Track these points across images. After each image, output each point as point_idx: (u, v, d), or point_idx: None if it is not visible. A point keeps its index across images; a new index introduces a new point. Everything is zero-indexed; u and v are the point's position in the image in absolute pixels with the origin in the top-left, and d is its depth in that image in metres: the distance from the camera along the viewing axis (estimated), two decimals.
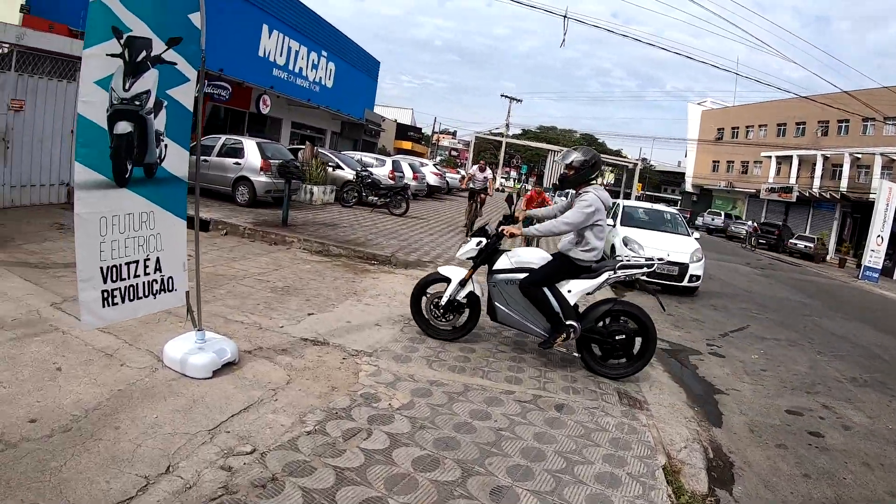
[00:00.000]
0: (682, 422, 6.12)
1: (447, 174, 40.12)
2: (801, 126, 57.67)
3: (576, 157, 6.69)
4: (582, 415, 5.64)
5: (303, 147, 22.13)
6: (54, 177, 14.40)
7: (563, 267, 6.69)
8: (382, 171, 24.15)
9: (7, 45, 13.14)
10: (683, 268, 14.18)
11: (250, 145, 17.06)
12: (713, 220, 59.70)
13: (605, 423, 5.51)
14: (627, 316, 6.77)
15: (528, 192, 16.49)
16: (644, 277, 7.46)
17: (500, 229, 6.82)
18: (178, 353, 5.35)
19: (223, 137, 17.84)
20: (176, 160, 5.26)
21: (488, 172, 19.25)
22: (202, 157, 16.61)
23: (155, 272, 5.17)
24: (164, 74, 4.92)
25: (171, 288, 5.36)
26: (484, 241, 6.96)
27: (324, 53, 34.69)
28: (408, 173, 27.62)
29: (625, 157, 77.80)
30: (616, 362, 6.85)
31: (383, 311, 7.94)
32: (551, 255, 6.89)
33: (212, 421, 4.55)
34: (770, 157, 59.85)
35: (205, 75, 5.21)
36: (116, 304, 4.83)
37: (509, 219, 7.22)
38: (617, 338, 6.71)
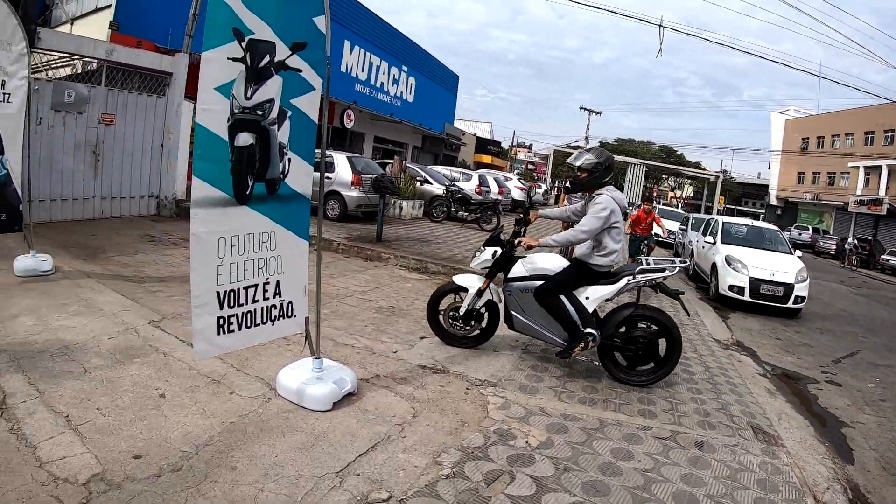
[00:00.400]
0: (818, 459, 5.53)
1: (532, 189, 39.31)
2: (890, 134, 53.98)
3: (587, 158, 6.28)
4: (723, 453, 5.14)
5: (390, 161, 21.86)
6: (144, 189, 14.55)
7: (580, 273, 6.35)
8: (469, 186, 23.60)
9: (97, 61, 13.40)
10: (788, 288, 13.27)
11: (341, 160, 16.75)
12: (800, 234, 54.83)
13: (748, 462, 5.05)
14: (648, 320, 6.47)
15: (634, 213, 13.92)
16: (665, 282, 6.82)
17: (516, 241, 6.45)
18: (294, 382, 4.98)
19: (314, 152, 17.25)
20: (300, 176, 4.91)
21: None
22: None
23: (274, 297, 4.80)
24: (289, 82, 4.57)
25: (290, 314, 4.99)
26: (499, 250, 6.61)
27: (404, 68, 34.81)
28: (493, 188, 26.93)
29: (704, 170, 75.59)
30: (644, 368, 6.58)
31: (496, 335, 7.42)
32: (568, 260, 6.57)
33: (339, 461, 4.12)
34: (858, 167, 55.91)
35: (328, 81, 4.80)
36: (233, 331, 4.47)
37: (523, 221, 6.87)
38: (640, 342, 6.43)
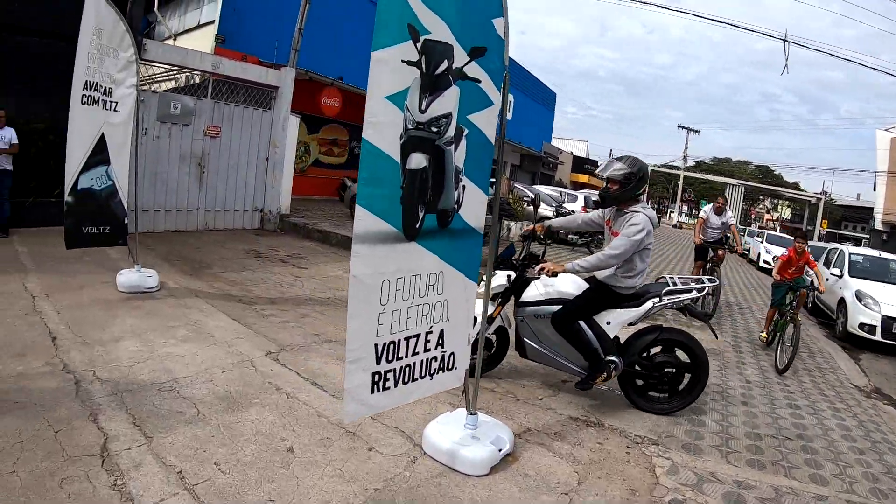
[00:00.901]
0: None
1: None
2: None
3: (619, 168, 5.43)
4: None
5: (491, 180, 21.10)
6: (248, 202, 14.41)
7: (602, 297, 5.68)
8: (575, 207, 22.78)
9: (202, 73, 13.40)
10: None
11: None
12: None
13: None
14: (676, 345, 5.87)
15: (784, 254, 10.61)
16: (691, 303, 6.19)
17: (538, 268, 5.68)
18: (446, 440, 4.31)
19: None
20: (474, 206, 4.22)
21: (729, 215, 12.29)
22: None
23: (436, 348, 4.11)
24: (467, 94, 3.86)
25: (451, 366, 4.28)
26: (513, 274, 5.93)
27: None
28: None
29: (803, 191, 72.49)
30: (657, 395, 5.99)
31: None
32: (587, 282, 5.87)
33: None
34: None
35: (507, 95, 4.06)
36: (388, 388, 3.79)
37: (531, 236, 6.15)
38: (665, 370, 5.87)
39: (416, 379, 3.96)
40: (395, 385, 3.80)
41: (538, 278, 5.84)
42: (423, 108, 3.58)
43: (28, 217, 11.18)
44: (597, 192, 24.65)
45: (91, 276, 8.19)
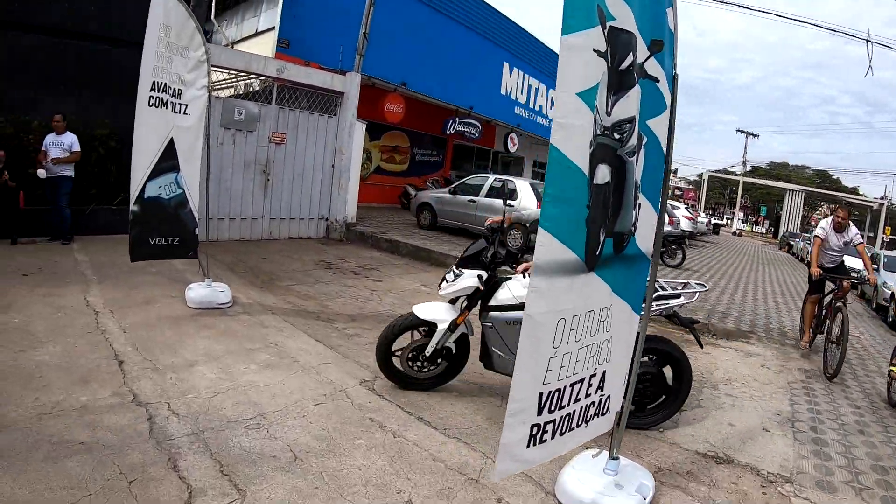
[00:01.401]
0: None
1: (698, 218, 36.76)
2: None
3: None
4: None
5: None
6: (313, 211, 14.04)
7: None
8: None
9: (265, 79, 13.15)
10: None
11: (523, 186, 15.43)
12: None
13: None
14: (651, 353, 5.19)
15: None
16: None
17: (519, 268, 5.30)
18: (587, 490, 3.69)
19: (491, 177, 16.56)
20: (647, 228, 3.56)
21: (853, 232, 8.88)
22: (470, 199, 15.64)
23: (596, 392, 3.43)
24: (646, 95, 3.19)
25: (605, 410, 3.62)
26: (485, 274, 5.13)
27: None
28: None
29: (863, 196, 70.05)
30: (652, 406, 5.31)
31: (756, 407, 6.10)
32: None
33: None
34: None
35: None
36: (544, 441, 3.11)
37: (498, 230, 5.40)
38: (645, 380, 5.14)
39: (573, 428, 3.29)
40: (553, 437, 3.13)
41: (510, 279, 5.17)
42: (609, 109, 2.92)
43: (88, 224, 10.99)
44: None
45: (157, 289, 7.73)
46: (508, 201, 15.02)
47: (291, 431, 4.31)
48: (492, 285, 5.12)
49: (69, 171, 10.32)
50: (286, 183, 13.23)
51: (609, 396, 3.51)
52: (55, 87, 11.31)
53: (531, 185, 15.57)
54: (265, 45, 18.72)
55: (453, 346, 5.35)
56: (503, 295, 5.05)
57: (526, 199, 15.03)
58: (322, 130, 13.87)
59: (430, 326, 5.30)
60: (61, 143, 10.20)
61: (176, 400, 4.62)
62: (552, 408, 3.06)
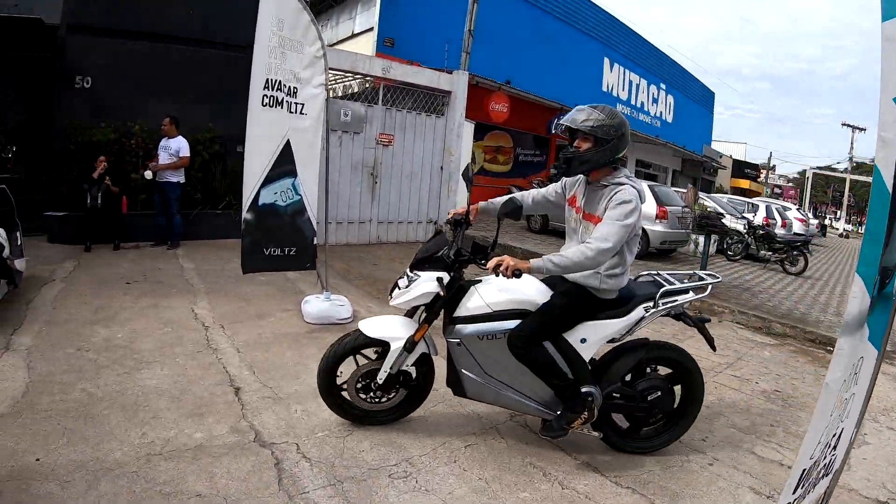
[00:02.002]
0: None
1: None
2: None
3: (592, 116, 3.80)
4: None
5: (683, 190, 19.35)
6: (421, 214, 13.63)
7: (577, 305, 4.03)
8: (756, 218, 20.74)
9: (371, 79, 12.88)
10: None
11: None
12: None
13: None
14: (662, 363, 4.32)
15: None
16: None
17: (486, 263, 3.77)
18: None
19: None
20: None
21: None
22: None
23: (830, 452, 2.67)
24: None
25: (829, 470, 2.86)
26: (446, 277, 4.02)
27: (662, 86, 32.43)
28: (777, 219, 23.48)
29: None
30: (651, 429, 4.44)
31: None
32: (549, 284, 4.20)
33: None
34: None
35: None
36: None
37: (463, 222, 4.30)
38: (650, 398, 4.22)
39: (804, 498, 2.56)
40: None
41: (480, 282, 4.17)
42: None
43: (191, 229, 10.89)
44: (773, 201, 21.50)
45: (270, 301, 7.31)
46: None
47: (444, 482, 3.70)
48: (456, 291, 4.12)
49: (176, 177, 10.18)
50: (394, 185, 12.85)
51: (836, 456, 2.80)
52: (158, 92, 11.32)
53: (650, 187, 14.69)
54: (363, 47, 18.50)
55: (413, 370, 4.33)
56: (473, 303, 4.06)
57: (645, 204, 14.01)
58: (430, 131, 13.42)
59: (384, 346, 4.24)
60: (168, 148, 10.09)
61: (305, 439, 4.08)
62: (804, 484, 2.35)
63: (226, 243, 10.74)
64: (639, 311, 4.09)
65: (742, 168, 56.21)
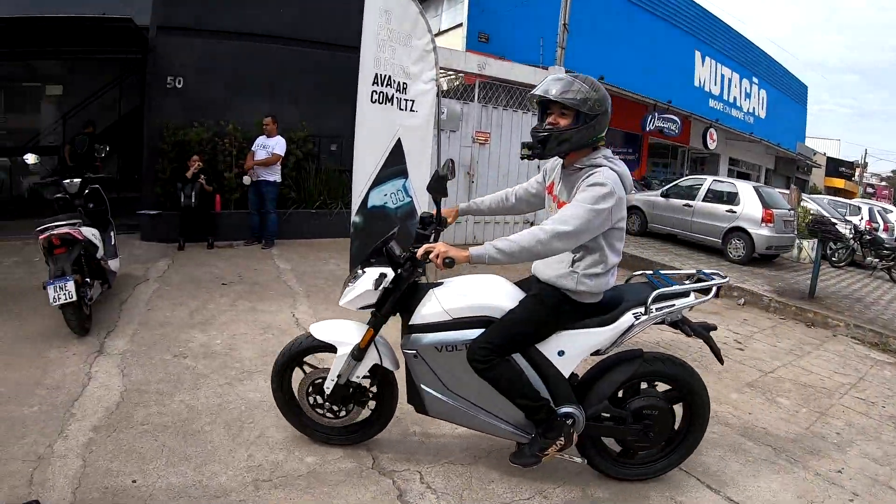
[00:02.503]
0: None
1: None
2: None
3: (579, 89, 3.13)
4: None
5: (786, 191, 18.42)
6: (518, 216, 12.90)
7: (552, 312, 3.37)
8: (858, 220, 19.64)
9: (464, 76, 12.74)
10: None
11: (746, 190, 13.96)
12: None
13: None
14: (660, 378, 3.63)
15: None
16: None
17: (421, 251, 3.18)
18: None
19: (709, 179, 15.12)
20: None
21: None
22: (685, 203, 14.39)
23: None
24: None
25: None
26: (389, 273, 3.45)
27: (754, 80, 31.20)
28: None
29: None
30: (645, 454, 3.79)
31: None
32: (521, 287, 3.61)
33: None
34: None
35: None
36: None
37: (431, 222, 3.64)
38: (645, 419, 3.56)
39: None
40: None
41: (441, 284, 3.59)
42: None
43: (286, 228, 10.85)
44: (870, 203, 20.09)
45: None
46: (729, 207, 13.59)
47: None
48: (412, 294, 3.57)
49: (273, 176, 10.10)
50: (490, 185, 12.37)
51: None
52: (250, 91, 11.28)
53: (755, 188, 13.99)
54: (451, 44, 18.19)
55: (366, 383, 3.82)
56: (429, 309, 3.48)
57: (749, 206, 13.46)
58: (526, 129, 12.82)
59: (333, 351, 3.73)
60: (267, 146, 10.00)
61: (428, 467, 3.73)
62: None
63: (321, 243, 10.62)
64: (627, 319, 3.45)
65: (836, 166, 53.45)
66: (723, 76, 27.65)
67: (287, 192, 10.95)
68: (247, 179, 9.84)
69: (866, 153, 66.22)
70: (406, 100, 6.02)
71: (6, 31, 10.19)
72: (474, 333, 3.35)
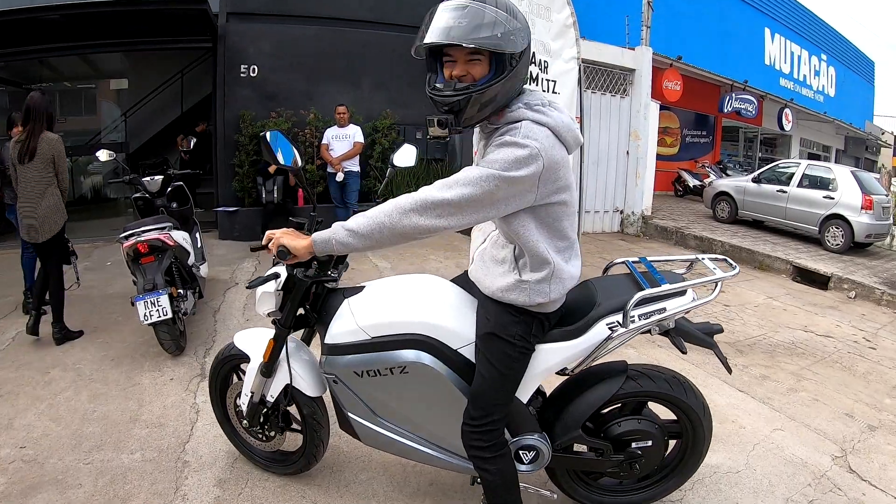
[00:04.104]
0: None
1: None
2: None
3: (494, 19, 2.06)
4: None
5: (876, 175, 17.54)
6: (608, 203, 12.81)
7: (524, 342, 2.47)
8: None
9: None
10: None
11: (844, 175, 13.11)
12: None
13: None
14: (649, 398, 2.86)
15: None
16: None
17: (264, 241, 2.55)
18: None
19: (804, 163, 14.25)
20: None
21: None
22: (779, 188, 13.54)
23: None
24: None
25: None
26: (283, 273, 2.82)
27: (823, 57, 30.10)
28: None
29: None
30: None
31: None
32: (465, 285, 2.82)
33: None
34: None
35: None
36: None
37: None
38: (633, 447, 2.84)
39: None
40: None
41: (358, 293, 2.84)
42: None
43: None
44: None
45: None
46: (826, 193, 12.78)
47: None
48: (323, 299, 2.89)
49: (356, 167, 9.47)
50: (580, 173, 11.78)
51: None
52: (330, 78, 10.81)
53: (853, 173, 13.15)
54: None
55: (288, 407, 3.19)
56: (341, 326, 2.75)
57: (848, 191, 12.59)
58: (615, 112, 12.45)
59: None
60: (346, 136, 9.36)
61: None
62: None
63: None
64: (600, 330, 2.64)
65: None
66: (792, 53, 26.73)
67: (373, 184, 10.43)
68: (340, 176, 9.22)
69: None
70: (549, 80, 5.35)
71: (65, 24, 9.69)
72: (402, 357, 2.64)
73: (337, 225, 2.27)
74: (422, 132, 11.27)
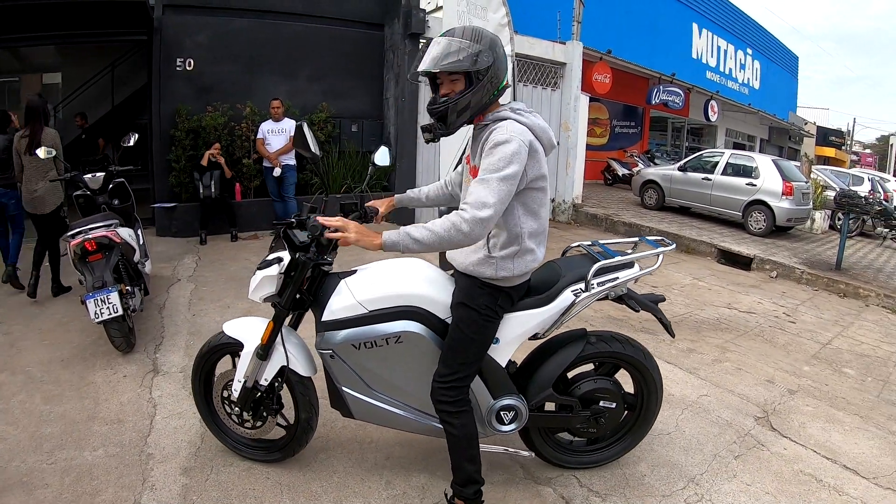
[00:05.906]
0: None
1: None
2: None
3: (460, 48, 2.59)
4: None
5: (798, 164, 18.30)
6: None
7: (490, 310, 2.91)
8: (861, 190, 19.52)
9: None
10: None
11: (765, 163, 13.86)
12: None
13: None
14: (607, 359, 3.36)
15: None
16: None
17: (320, 224, 2.70)
18: None
19: (728, 153, 14.89)
20: None
21: None
22: (704, 176, 14.15)
23: None
24: None
25: None
26: (286, 257, 3.02)
27: (748, 51, 30.99)
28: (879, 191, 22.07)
29: None
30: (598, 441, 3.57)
31: None
32: (447, 268, 3.18)
33: None
34: None
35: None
36: None
37: (353, 209, 3.22)
38: (600, 404, 3.31)
39: None
40: None
41: (354, 273, 3.14)
42: None
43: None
44: (871, 172, 19.89)
45: None
46: (748, 180, 13.35)
47: (736, 500, 3.33)
48: (320, 284, 3.13)
49: (292, 160, 9.54)
50: None
51: None
52: (266, 71, 10.70)
53: (774, 161, 13.85)
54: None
55: (276, 385, 3.29)
56: (341, 302, 3.03)
57: (769, 179, 13.30)
58: (546, 105, 12.73)
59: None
60: (281, 130, 9.41)
61: (580, 470, 3.49)
62: None
63: None
64: (566, 297, 3.08)
65: (826, 135, 53.28)
66: (719, 48, 27.45)
67: (309, 177, 10.45)
68: (277, 171, 9.29)
69: (855, 122, 65.42)
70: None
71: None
72: (397, 327, 2.96)
73: (403, 232, 2.55)
74: (357, 125, 11.34)
